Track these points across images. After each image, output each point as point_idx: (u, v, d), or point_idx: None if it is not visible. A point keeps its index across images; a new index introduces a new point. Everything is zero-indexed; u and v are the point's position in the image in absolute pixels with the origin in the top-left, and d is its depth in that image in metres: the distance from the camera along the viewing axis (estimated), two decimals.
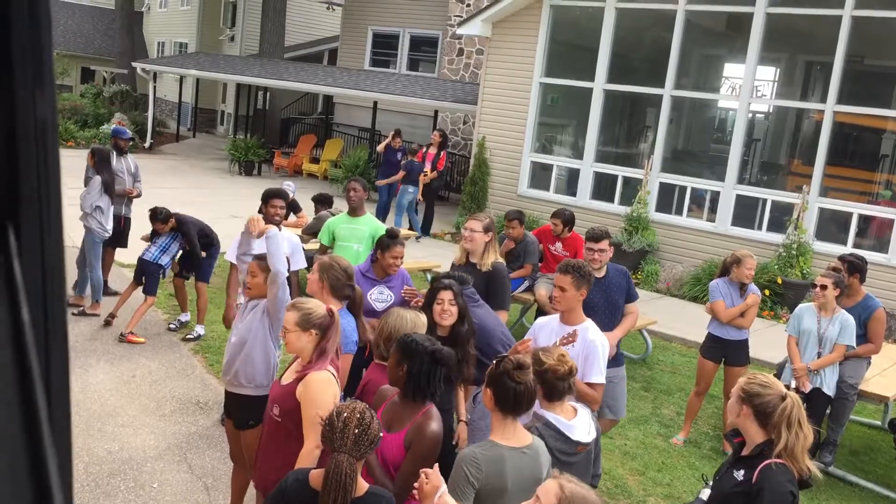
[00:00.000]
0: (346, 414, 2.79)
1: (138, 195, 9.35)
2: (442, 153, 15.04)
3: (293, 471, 3.09)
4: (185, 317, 8.48)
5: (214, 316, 8.79)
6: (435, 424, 3.40)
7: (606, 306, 5.67)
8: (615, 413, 5.80)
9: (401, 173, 14.48)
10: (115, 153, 9.16)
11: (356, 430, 2.74)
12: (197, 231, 8.30)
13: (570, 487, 2.48)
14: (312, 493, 2.83)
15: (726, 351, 6.79)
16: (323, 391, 3.59)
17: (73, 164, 17.38)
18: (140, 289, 8.21)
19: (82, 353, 7.49)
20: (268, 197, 6.58)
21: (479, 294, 5.74)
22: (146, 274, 8.18)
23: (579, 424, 3.54)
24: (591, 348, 4.47)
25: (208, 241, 8.40)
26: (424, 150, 15.27)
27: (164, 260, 8.22)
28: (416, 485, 2.83)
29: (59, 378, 0.63)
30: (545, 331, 4.65)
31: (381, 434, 2.86)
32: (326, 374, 3.66)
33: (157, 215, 8.28)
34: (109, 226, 8.58)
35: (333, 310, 3.82)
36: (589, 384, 4.42)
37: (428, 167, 14.77)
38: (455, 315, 4.53)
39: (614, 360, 5.50)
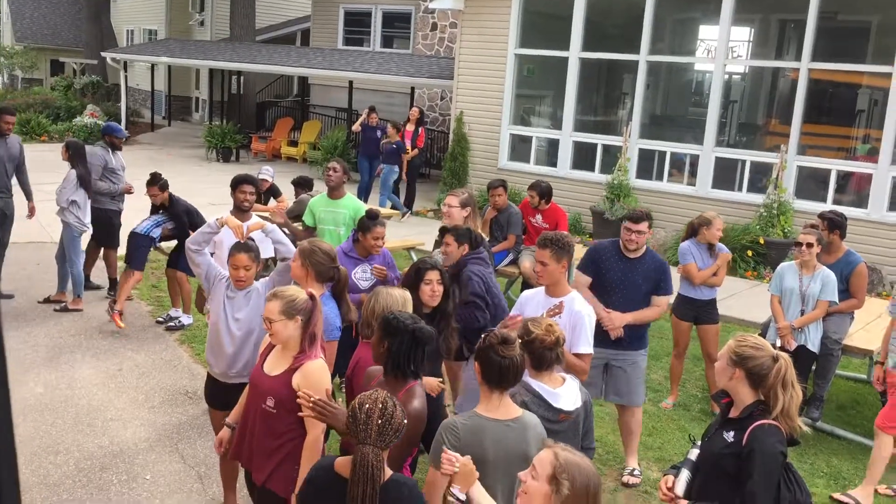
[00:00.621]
0: (368, 405, 2.75)
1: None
2: (420, 130, 14.96)
3: (318, 461, 3.08)
4: (175, 312, 8.32)
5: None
6: (417, 402, 3.40)
7: (626, 288, 5.51)
8: (629, 400, 5.63)
9: (409, 153, 14.40)
10: (109, 150, 8.96)
11: (379, 421, 2.71)
12: (185, 214, 8.17)
13: (564, 455, 2.50)
14: (340, 480, 2.80)
15: (697, 311, 6.88)
16: (321, 379, 3.59)
17: (46, 158, 17.17)
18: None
19: (67, 349, 7.43)
20: (237, 183, 6.53)
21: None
22: (135, 248, 8.07)
23: (565, 393, 3.56)
24: (577, 318, 4.48)
25: (196, 228, 8.29)
26: (403, 127, 15.18)
27: (156, 233, 8.10)
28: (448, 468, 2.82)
29: None
30: (531, 304, 4.65)
31: (405, 421, 2.81)
32: (320, 361, 3.66)
33: (156, 180, 8.11)
34: (87, 220, 8.47)
35: (314, 294, 3.80)
36: (577, 354, 4.44)
37: (408, 144, 14.69)
38: (441, 294, 4.60)
39: (628, 343, 5.47)
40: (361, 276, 5.59)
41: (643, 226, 5.50)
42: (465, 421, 3.11)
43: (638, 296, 5.53)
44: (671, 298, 5.77)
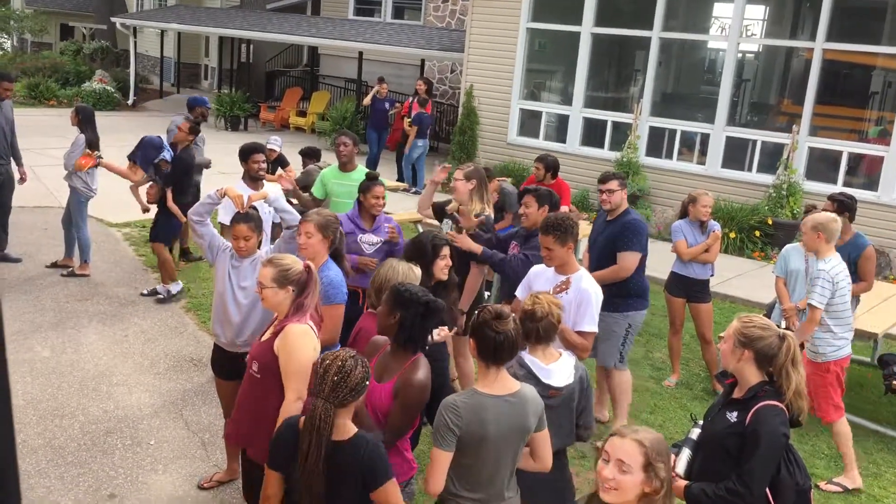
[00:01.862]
0: (328, 361, 2.85)
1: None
2: (428, 101, 14.90)
3: (287, 418, 3.13)
4: (175, 286, 8.13)
5: (207, 273, 8.78)
6: (422, 373, 3.43)
7: (597, 247, 5.88)
8: (599, 359, 5.91)
9: (414, 130, 14.36)
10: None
11: (335, 378, 2.79)
12: (181, 169, 8.07)
13: (648, 438, 2.47)
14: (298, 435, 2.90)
15: (688, 288, 6.93)
16: (301, 343, 3.59)
17: (54, 122, 17.17)
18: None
19: (73, 314, 7.47)
20: (248, 153, 6.51)
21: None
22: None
23: (557, 369, 3.57)
24: (584, 296, 4.47)
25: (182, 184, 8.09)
26: (410, 100, 15.11)
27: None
28: None
29: None
30: (540, 279, 4.66)
31: (367, 383, 2.89)
32: (304, 326, 3.65)
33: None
34: (95, 185, 8.46)
35: (311, 266, 3.81)
36: (580, 332, 4.43)
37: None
38: (449, 267, 4.68)
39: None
40: (367, 239, 5.65)
41: (612, 184, 5.78)
42: (466, 399, 3.11)
43: (603, 255, 5.75)
44: (636, 257, 5.70)
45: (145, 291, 8.16)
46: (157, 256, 8.13)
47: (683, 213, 7.07)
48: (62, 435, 5.40)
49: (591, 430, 3.90)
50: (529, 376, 3.50)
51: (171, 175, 8.07)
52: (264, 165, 6.51)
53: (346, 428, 2.86)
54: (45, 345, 6.77)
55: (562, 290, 4.49)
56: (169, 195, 7.98)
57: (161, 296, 7.99)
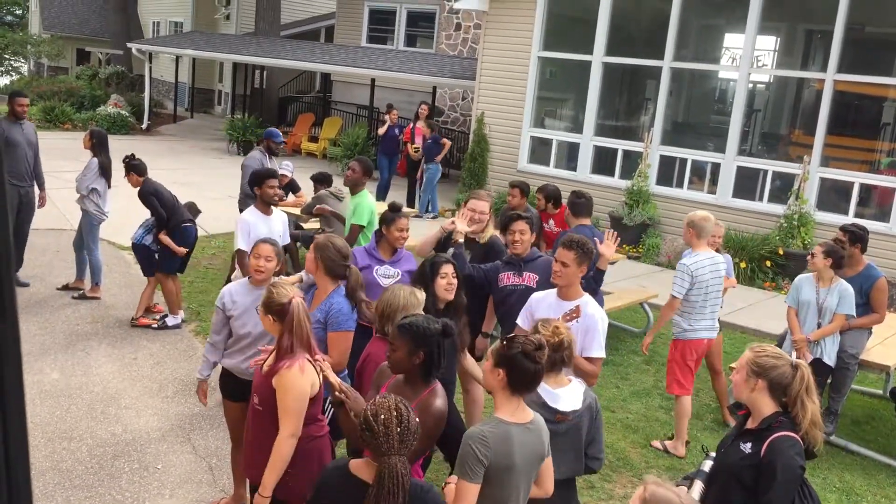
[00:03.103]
0: (383, 415, 2.70)
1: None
2: (432, 126, 15.03)
3: (329, 464, 3.11)
4: (171, 320, 7.95)
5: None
6: (440, 402, 3.42)
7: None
8: None
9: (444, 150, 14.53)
10: (266, 155, 8.86)
11: (398, 429, 2.69)
12: (153, 195, 7.75)
13: (652, 489, 2.47)
14: (356, 482, 2.79)
15: None
16: (296, 382, 3.57)
17: (69, 146, 17.32)
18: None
19: (83, 336, 7.49)
20: (262, 179, 6.43)
21: (477, 264, 5.78)
22: (140, 259, 8.04)
23: (565, 395, 3.56)
24: (590, 322, 4.46)
25: (176, 220, 7.79)
26: (412, 125, 15.23)
27: (149, 240, 7.81)
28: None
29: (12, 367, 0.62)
30: (542, 305, 4.63)
31: (418, 421, 2.80)
32: (291, 372, 3.59)
33: (132, 160, 7.86)
34: (107, 208, 8.50)
35: (296, 301, 3.71)
36: (588, 358, 4.42)
37: (419, 141, 14.76)
38: (455, 287, 4.62)
39: None
40: (384, 272, 5.52)
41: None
42: (493, 429, 3.06)
43: None
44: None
45: (154, 325, 7.92)
46: (162, 286, 7.95)
47: None
48: (70, 458, 5.40)
49: (601, 460, 3.86)
50: (535, 401, 3.48)
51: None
52: (279, 192, 6.51)
53: None
54: (54, 367, 6.78)
55: (573, 318, 4.46)
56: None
57: (164, 324, 7.85)
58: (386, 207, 5.68)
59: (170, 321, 7.90)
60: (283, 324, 3.65)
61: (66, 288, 8.66)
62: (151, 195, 7.73)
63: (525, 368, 3.07)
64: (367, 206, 7.24)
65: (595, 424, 3.73)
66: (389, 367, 3.49)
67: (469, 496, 2.98)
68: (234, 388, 4.64)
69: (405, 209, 7.31)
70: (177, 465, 5.44)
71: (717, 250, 6.76)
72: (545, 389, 3.52)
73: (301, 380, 3.58)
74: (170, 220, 7.72)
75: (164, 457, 5.53)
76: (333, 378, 3.48)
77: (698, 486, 3.40)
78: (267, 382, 3.65)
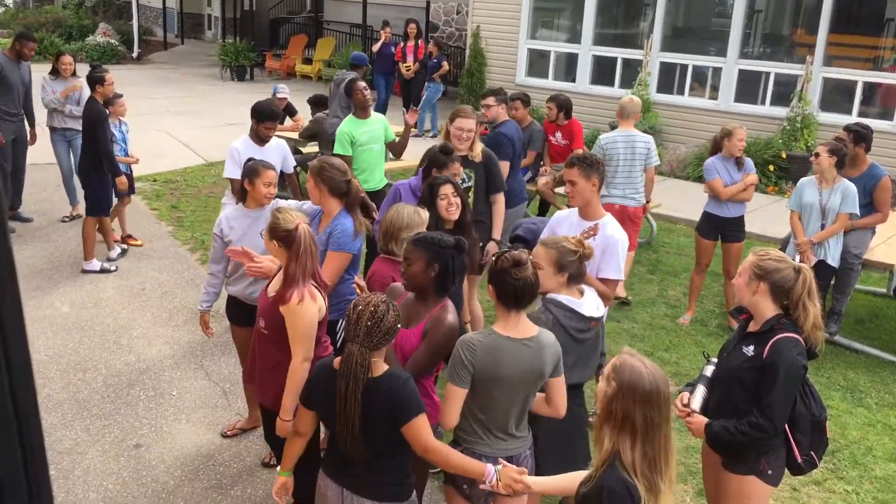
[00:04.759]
0: (360, 307, 2.89)
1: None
2: (420, 42, 14.76)
3: (321, 360, 3.24)
4: (112, 252, 7.71)
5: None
6: (451, 317, 3.47)
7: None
8: None
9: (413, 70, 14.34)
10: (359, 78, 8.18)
11: (368, 323, 2.84)
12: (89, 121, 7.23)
13: (623, 358, 2.56)
14: (334, 373, 2.98)
15: (723, 228, 6.81)
16: (305, 310, 3.58)
17: None
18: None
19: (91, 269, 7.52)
20: (263, 118, 6.03)
21: (480, 182, 5.73)
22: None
23: (587, 302, 3.63)
24: (609, 243, 4.39)
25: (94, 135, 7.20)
26: (403, 44, 14.97)
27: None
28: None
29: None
30: (564, 224, 4.59)
31: (399, 326, 2.95)
32: (302, 307, 3.58)
33: (95, 69, 7.50)
34: (78, 110, 8.19)
35: (302, 227, 3.67)
36: (604, 280, 4.35)
37: (409, 60, 14.54)
38: (460, 207, 4.58)
39: None
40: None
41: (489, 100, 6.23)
42: (483, 339, 3.14)
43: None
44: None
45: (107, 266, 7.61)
46: (100, 226, 7.57)
47: (716, 149, 6.87)
48: (86, 388, 5.50)
49: (605, 354, 3.95)
50: (571, 314, 3.54)
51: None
52: (274, 133, 6.30)
53: (378, 366, 2.93)
54: (64, 300, 6.85)
55: (590, 235, 4.41)
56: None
57: (108, 267, 7.57)
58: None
59: (113, 253, 7.72)
60: (290, 250, 3.63)
61: (71, 218, 8.72)
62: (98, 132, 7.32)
63: (506, 283, 3.13)
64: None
65: (603, 326, 3.82)
66: (405, 281, 3.51)
67: (455, 398, 3.11)
68: (241, 313, 4.68)
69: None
70: (191, 390, 5.55)
71: (740, 156, 6.69)
72: (574, 302, 3.57)
73: (310, 307, 3.61)
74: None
75: (178, 383, 5.63)
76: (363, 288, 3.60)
77: (700, 390, 3.45)
78: (274, 308, 3.67)
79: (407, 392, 2.92)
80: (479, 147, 5.77)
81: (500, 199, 5.87)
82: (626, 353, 2.58)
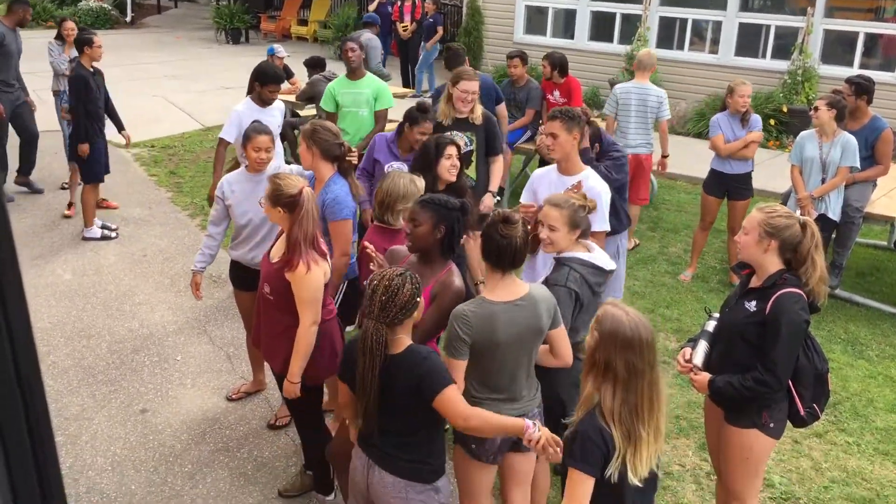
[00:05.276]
0: (375, 282, 2.84)
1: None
2: (417, 2, 14.60)
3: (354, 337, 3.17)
4: (88, 232, 7.52)
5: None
6: (458, 280, 3.47)
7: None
8: None
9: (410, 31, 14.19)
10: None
11: (383, 297, 2.79)
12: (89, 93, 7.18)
13: (605, 308, 2.59)
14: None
15: (729, 185, 6.77)
16: (311, 276, 3.58)
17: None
18: None
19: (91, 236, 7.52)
20: (267, 80, 5.96)
21: (482, 145, 5.70)
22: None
23: (599, 255, 3.64)
24: (592, 195, 4.40)
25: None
26: (400, 4, 14.81)
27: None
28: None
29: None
30: (544, 182, 4.58)
31: (418, 300, 2.87)
32: (310, 274, 3.58)
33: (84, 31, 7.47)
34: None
35: (306, 192, 3.66)
36: (592, 233, 4.37)
37: (407, 19, 14.39)
38: (458, 169, 4.58)
39: None
40: (398, 167, 5.40)
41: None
42: (476, 309, 3.12)
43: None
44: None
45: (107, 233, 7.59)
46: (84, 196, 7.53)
47: (723, 106, 6.87)
48: (90, 355, 5.53)
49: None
50: (593, 270, 3.56)
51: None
52: (277, 95, 6.22)
53: (399, 343, 2.87)
54: (65, 268, 6.86)
55: (576, 192, 4.43)
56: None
57: (92, 235, 7.51)
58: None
59: (96, 231, 7.58)
60: (293, 215, 3.61)
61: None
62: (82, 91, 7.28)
63: (491, 239, 3.12)
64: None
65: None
66: (410, 243, 3.48)
67: (457, 371, 3.09)
68: (244, 278, 4.68)
69: (405, 90, 7.21)
70: (195, 355, 5.58)
71: (747, 113, 6.64)
72: (593, 256, 3.61)
73: (316, 272, 3.61)
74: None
75: (182, 348, 5.66)
76: (378, 256, 3.55)
77: (703, 346, 3.46)
78: (279, 274, 3.66)
79: (430, 366, 2.85)
80: (480, 109, 5.73)
81: (499, 159, 5.87)
82: (609, 304, 2.60)
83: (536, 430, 2.79)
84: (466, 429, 2.89)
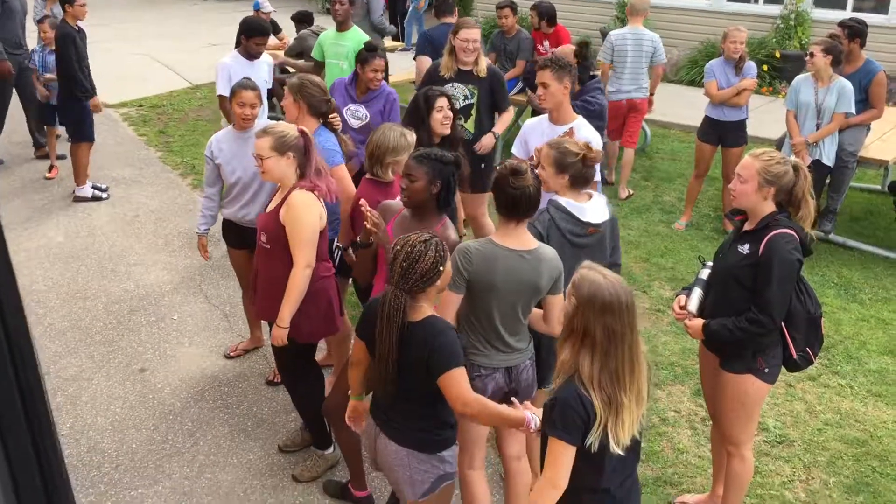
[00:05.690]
0: (397, 247, 2.79)
1: None
2: None
3: (376, 296, 3.12)
4: (79, 190, 7.47)
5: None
6: (453, 233, 3.49)
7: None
8: None
9: None
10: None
11: (403, 264, 2.75)
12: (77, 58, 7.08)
13: (583, 272, 2.54)
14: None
15: (723, 132, 6.74)
16: (306, 212, 3.60)
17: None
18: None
19: (82, 198, 7.47)
20: (253, 33, 5.91)
21: (484, 99, 5.63)
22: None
23: (591, 208, 3.57)
24: None
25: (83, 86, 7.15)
26: None
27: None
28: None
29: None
30: (535, 132, 4.55)
31: (442, 268, 2.79)
32: (308, 195, 3.64)
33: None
34: None
35: (306, 130, 3.73)
36: None
37: None
38: (451, 121, 4.54)
39: None
40: (354, 113, 5.45)
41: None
42: (479, 247, 3.16)
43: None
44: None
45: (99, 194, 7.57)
46: (75, 156, 7.44)
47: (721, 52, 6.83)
48: (87, 316, 5.54)
49: (620, 266, 3.89)
50: (567, 216, 3.51)
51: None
52: (264, 49, 6.18)
53: (419, 311, 2.81)
54: (58, 230, 6.83)
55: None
56: None
57: (82, 194, 7.47)
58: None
59: (87, 191, 7.52)
60: (306, 157, 3.68)
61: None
62: (72, 56, 7.14)
63: (504, 192, 3.14)
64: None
65: (615, 233, 3.78)
66: (405, 198, 3.45)
67: (450, 303, 3.14)
68: (236, 236, 4.68)
69: (395, 43, 7.12)
70: (192, 314, 5.59)
71: (741, 57, 6.57)
72: (572, 204, 3.53)
73: (312, 209, 3.62)
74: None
75: (178, 308, 5.67)
76: (372, 213, 3.49)
77: (697, 293, 3.47)
78: (274, 217, 3.67)
79: (443, 342, 2.78)
80: (484, 62, 5.65)
81: (509, 110, 5.88)
82: (585, 268, 2.55)
83: (535, 422, 2.81)
84: (463, 413, 2.83)
